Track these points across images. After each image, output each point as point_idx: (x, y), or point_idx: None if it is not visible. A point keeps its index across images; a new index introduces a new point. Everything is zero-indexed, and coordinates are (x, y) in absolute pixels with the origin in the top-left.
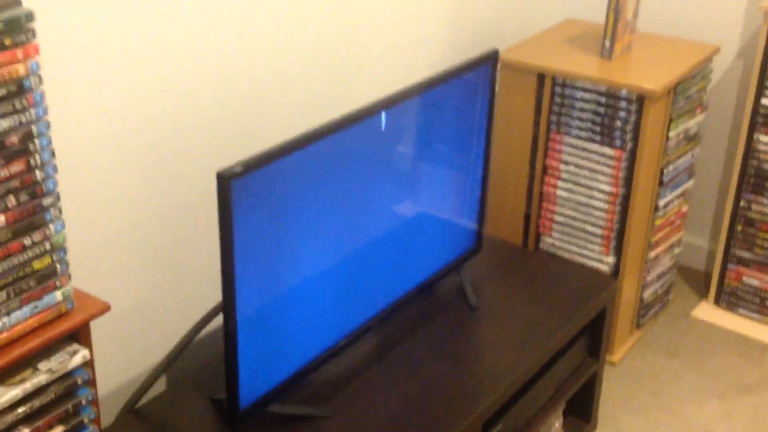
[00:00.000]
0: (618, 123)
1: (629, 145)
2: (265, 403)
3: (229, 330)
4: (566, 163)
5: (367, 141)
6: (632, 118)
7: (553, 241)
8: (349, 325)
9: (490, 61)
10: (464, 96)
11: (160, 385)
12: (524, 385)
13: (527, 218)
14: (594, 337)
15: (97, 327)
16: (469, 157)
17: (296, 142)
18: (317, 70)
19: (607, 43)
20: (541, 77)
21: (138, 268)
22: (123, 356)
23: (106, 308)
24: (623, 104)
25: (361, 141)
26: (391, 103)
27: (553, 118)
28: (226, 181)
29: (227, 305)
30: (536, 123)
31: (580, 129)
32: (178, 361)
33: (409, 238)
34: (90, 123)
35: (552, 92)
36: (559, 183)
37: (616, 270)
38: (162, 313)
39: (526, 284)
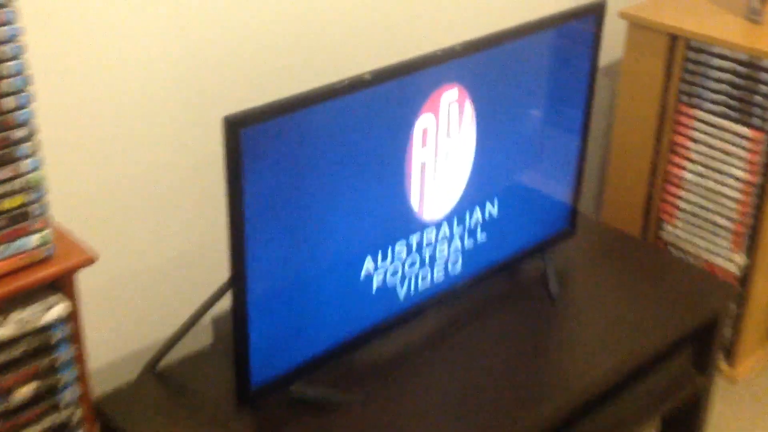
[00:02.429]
0: (757, 98)
1: None
2: (284, 383)
3: (238, 300)
4: (696, 141)
5: (425, 93)
6: None
7: (675, 230)
8: (396, 304)
9: (593, 13)
10: (559, 53)
11: (191, 347)
12: (606, 392)
13: (649, 201)
14: (703, 349)
15: (119, 286)
16: (563, 124)
17: (326, 92)
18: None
19: (756, 4)
20: (673, 39)
21: (154, 226)
22: (149, 316)
23: (90, 259)
24: (766, 77)
25: (417, 93)
26: (461, 52)
27: (684, 87)
28: (234, 130)
29: (236, 270)
30: (665, 92)
31: (715, 103)
32: (208, 327)
33: (479, 209)
34: (94, 64)
35: (685, 57)
36: (687, 164)
37: (748, 271)
38: (187, 273)
39: (626, 278)
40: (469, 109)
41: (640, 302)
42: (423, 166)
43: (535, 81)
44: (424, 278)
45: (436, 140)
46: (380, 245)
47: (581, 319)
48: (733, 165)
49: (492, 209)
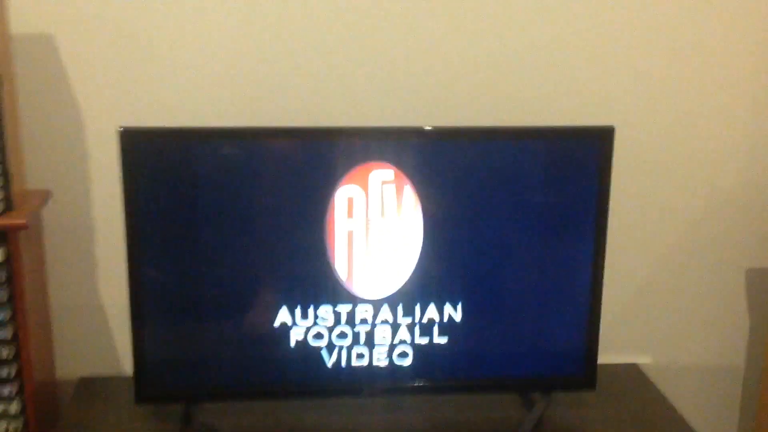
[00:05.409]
0: None
1: None
2: (181, 399)
3: (135, 312)
4: None
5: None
6: None
7: None
8: (321, 370)
9: (597, 140)
10: (539, 170)
11: None
12: None
13: None
14: None
15: None
16: (555, 252)
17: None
18: None
19: None
20: None
21: None
22: None
23: (23, 225)
24: None
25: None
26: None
27: None
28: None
29: (133, 282)
30: None
31: None
32: None
33: (434, 306)
34: None
35: None
36: None
37: None
38: None
39: None
40: (410, 195)
41: None
42: (350, 234)
43: (518, 193)
44: (360, 356)
45: (366, 214)
46: (298, 300)
47: None
48: None
49: (452, 312)
